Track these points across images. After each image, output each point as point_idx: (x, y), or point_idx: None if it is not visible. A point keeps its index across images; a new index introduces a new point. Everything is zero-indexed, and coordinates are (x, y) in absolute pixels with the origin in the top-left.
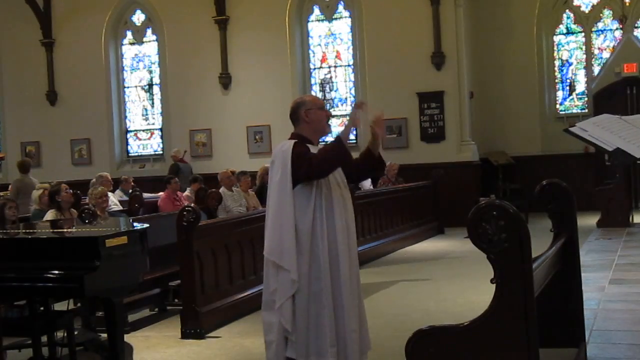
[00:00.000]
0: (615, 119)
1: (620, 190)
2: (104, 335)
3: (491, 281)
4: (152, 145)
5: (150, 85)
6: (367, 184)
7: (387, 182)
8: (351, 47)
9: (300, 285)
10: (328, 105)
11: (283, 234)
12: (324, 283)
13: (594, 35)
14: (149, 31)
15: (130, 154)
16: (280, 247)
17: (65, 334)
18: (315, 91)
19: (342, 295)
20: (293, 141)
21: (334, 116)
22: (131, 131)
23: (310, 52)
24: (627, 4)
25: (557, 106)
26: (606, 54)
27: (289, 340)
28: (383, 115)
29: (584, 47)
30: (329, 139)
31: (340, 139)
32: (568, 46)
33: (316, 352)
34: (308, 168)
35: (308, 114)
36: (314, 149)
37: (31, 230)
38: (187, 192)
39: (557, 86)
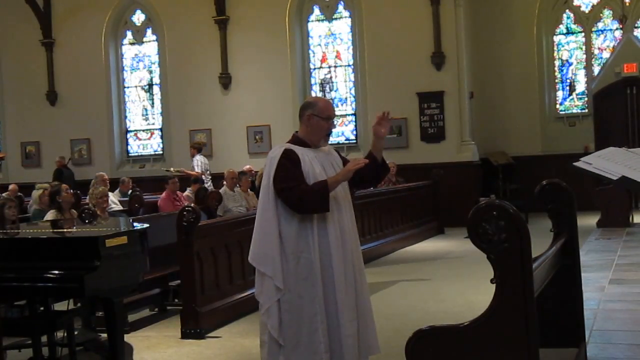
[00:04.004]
0: (621, 151)
1: (621, 190)
2: (104, 335)
3: (491, 281)
4: (152, 145)
5: (150, 85)
6: None
7: (387, 182)
8: (351, 47)
9: (287, 291)
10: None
11: (266, 240)
12: (316, 289)
13: (594, 35)
14: (149, 31)
15: (130, 154)
16: (262, 253)
17: (65, 334)
18: (315, 91)
19: (337, 300)
20: (283, 149)
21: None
22: (131, 131)
23: (310, 52)
24: (627, 4)
25: (557, 106)
26: (606, 54)
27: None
28: (389, 115)
29: (584, 47)
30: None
31: (326, 187)
32: (568, 46)
33: (308, 358)
34: (287, 199)
35: (310, 119)
36: (309, 152)
37: (31, 230)
38: (187, 192)
39: (557, 86)
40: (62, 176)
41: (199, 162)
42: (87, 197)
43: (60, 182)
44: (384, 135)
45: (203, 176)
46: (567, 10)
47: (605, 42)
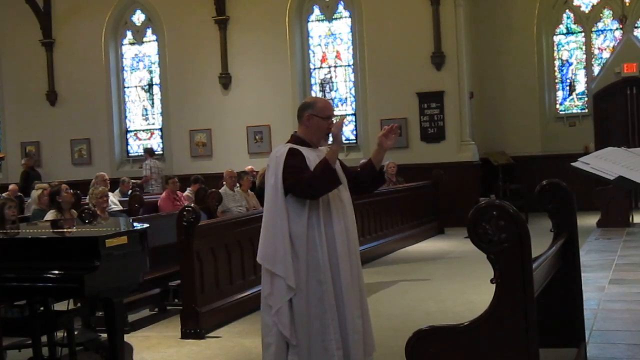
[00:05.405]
0: (620, 150)
1: (620, 190)
2: (104, 335)
3: (491, 281)
4: (152, 145)
5: (150, 85)
6: None
7: (387, 182)
8: (351, 47)
9: (297, 290)
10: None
11: (276, 240)
12: (326, 287)
13: (594, 35)
14: (149, 31)
15: (130, 154)
16: (273, 254)
17: (65, 334)
18: (315, 91)
19: (344, 298)
20: (288, 147)
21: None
22: (131, 131)
23: (310, 52)
24: (627, 4)
25: (557, 106)
26: (606, 54)
27: (290, 344)
28: (398, 129)
29: (584, 47)
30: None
31: (328, 163)
32: (568, 46)
33: (321, 356)
34: (299, 189)
35: (310, 119)
36: (311, 152)
37: (31, 230)
38: (187, 192)
39: (557, 86)
40: (29, 178)
41: (147, 166)
42: (87, 197)
43: (26, 184)
44: (389, 148)
45: (153, 180)
46: (567, 10)
47: (605, 42)
